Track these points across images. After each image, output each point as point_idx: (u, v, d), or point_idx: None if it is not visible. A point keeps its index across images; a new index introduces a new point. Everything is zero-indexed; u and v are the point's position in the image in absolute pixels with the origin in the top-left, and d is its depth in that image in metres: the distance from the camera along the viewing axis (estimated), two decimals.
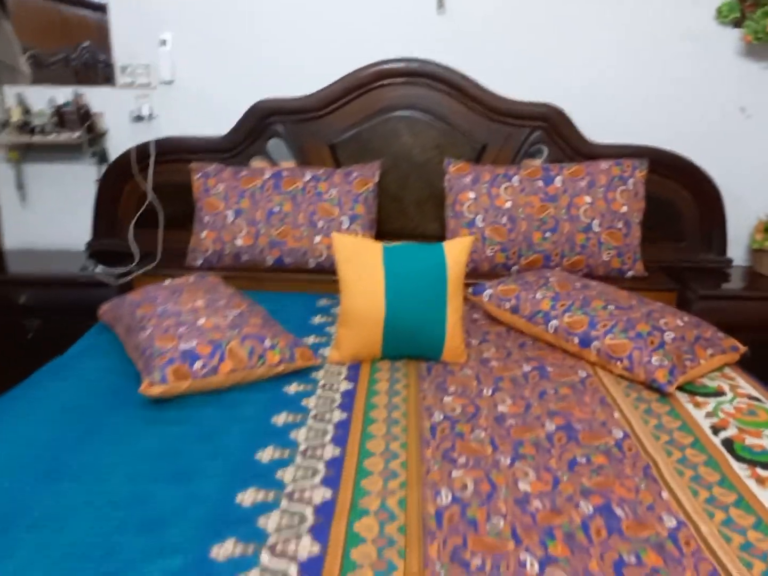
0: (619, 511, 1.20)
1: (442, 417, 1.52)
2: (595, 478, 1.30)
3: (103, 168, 2.59)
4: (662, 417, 1.57)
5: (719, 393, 1.69)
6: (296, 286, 2.37)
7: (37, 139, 2.41)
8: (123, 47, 2.52)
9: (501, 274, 2.37)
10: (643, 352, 1.71)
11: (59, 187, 2.63)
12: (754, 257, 2.53)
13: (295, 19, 2.47)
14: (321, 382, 1.69)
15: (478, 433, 1.45)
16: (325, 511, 1.18)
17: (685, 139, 2.49)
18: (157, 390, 1.54)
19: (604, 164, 2.37)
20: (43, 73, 2.59)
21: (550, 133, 2.48)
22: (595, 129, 2.47)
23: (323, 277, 2.32)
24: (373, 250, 1.79)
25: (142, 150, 2.52)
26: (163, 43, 2.50)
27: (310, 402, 1.59)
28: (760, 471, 1.35)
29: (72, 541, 1.11)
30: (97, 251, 2.61)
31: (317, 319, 2.12)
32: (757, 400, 1.66)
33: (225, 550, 1.08)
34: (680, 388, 1.70)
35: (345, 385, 1.68)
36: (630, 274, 2.38)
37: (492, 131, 2.49)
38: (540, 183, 2.35)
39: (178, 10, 2.47)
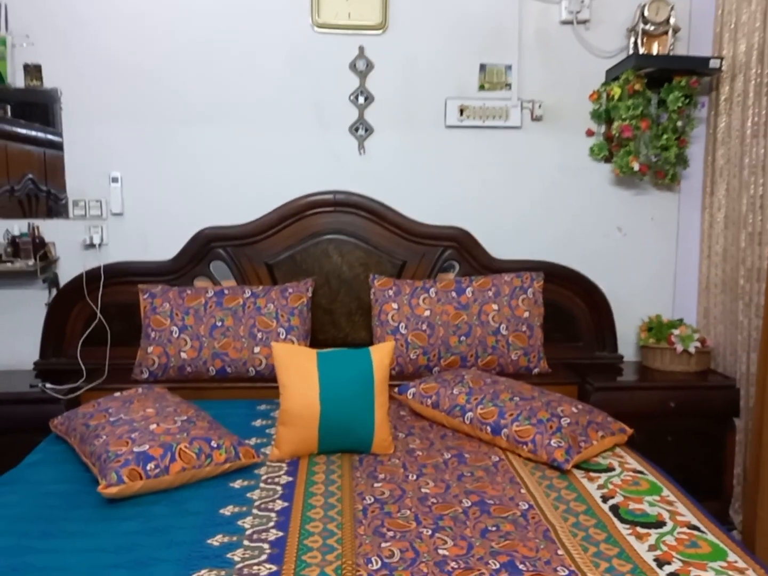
0: (521, 567, 1.42)
1: (372, 500, 1.72)
2: (503, 542, 1.52)
3: (53, 292, 2.78)
4: (561, 491, 1.82)
5: (610, 469, 1.97)
6: (237, 393, 2.56)
7: None
8: (76, 183, 2.79)
9: (424, 374, 2.64)
10: (544, 436, 1.99)
11: (9, 311, 2.78)
12: (642, 353, 2.91)
13: (234, 158, 2.83)
14: (263, 477, 1.88)
15: (404, 512, 1.66)
16: None
17: (574, 254, 2.92)
18: (113, 490, 1.69)
19: (506, 277, 2.74)
20: None
21: (460, 251, 2.87)
22: (497, 247, 2.87)
23: (262, 384, 2.54)
24: (309, 356, 2.05)
25: (91, 274, 2.74)
26: (115, 180, 2.79)
27: (254, 494, 1.77)
28: (639, 529, 1.61)
29: None
30: (44, 370, 2.75)
31: (258, 423, 2.31)
32: (641, 473, 1.94)
33: None
34: (577, 467, 1.97)
35: (285, 479, 1.87)
36: (536, 371, 2.70)
37: (410, 250, 2.86)
38: (453, 294, 2.68)
39: (127, 151, 2.79)
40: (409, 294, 2.69)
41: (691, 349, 2.69)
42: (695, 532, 1.60)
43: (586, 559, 1.47)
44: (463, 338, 2.64)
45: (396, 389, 2.40)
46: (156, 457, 1.78)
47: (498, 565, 1.42)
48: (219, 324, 2.59)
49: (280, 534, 1.56)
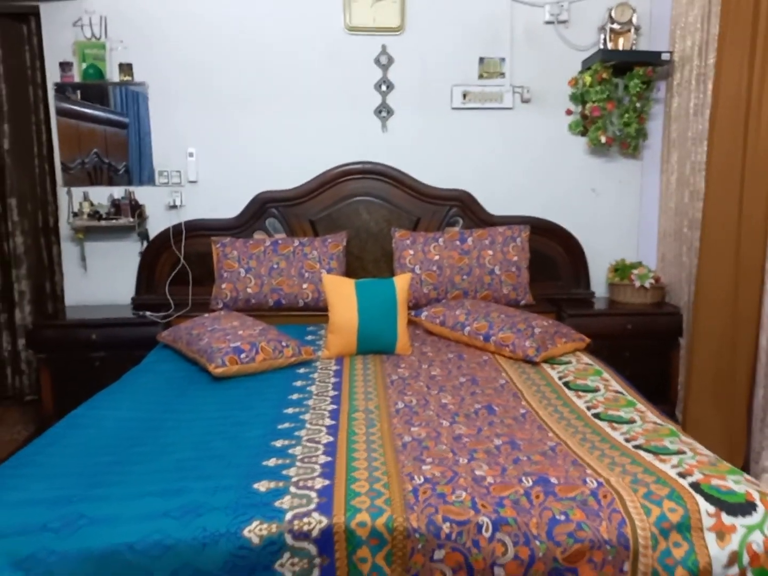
0: (497, 409, 2.17)
1: (396, 377, 2.49)
2: (486, 397, 2.28)
3: (145, 243, 3.55)
4: (531, 374, 2.57)
5: (568, 363, 2.72)
6: (290, 320, 3.33)
7: (104, 223, 3.38)
8: (160, 158, 3.54)
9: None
10: (521, 340, 2.73)
11: (110, 259, 3.56)
12: (610, 289, 3.64)
13: (282, 136, 3.56)
14: (320, 367, 2.65)
15: (419, 383, 2.43)
16: (333, 423, 2.13)
17: (556, 211, 3.64)
18: (220, 370, 2.47)
19: (500, 229, 3.47)
20: (69, 174, 3.52)
21: (463, 209, 3.59)
22: (493, 206, 3.59)
23: (309, 313, 3.31)
24: (349, 284, 2.80)
25: (174, 229, 3.50)
26: (191, 154, 3.53)
27: (315, 375, 2.55)
28: (580, 393, 2.36)
29: (195, 431, 2.02)
30: (139, 304, 3.54)
31: (309, 337, 3.08)
32: (590, 365, 2.68)
33: (283, 425, 2.02)
34: (545, 362, 2.71)
35: (335, 367, 2.64)
36: (523, 302, 3.43)
37: (423, 209, 3.59)
38: (458, 242, 3.42)
39: (199, 131, 3.52)
40: (422, 243, 3.42)
41: (647, 285, 3.41)
42: (618, 395, 2.34)
43: (540, 406, 2.23)
44: (465, 277, 3.37)
45: (412, 313, 3.15)
46: (246, 350, 2.56)
47: (480, 405, 2.19)
48: (275, 266, 3.34)
49: (336, 393, 2.33)
